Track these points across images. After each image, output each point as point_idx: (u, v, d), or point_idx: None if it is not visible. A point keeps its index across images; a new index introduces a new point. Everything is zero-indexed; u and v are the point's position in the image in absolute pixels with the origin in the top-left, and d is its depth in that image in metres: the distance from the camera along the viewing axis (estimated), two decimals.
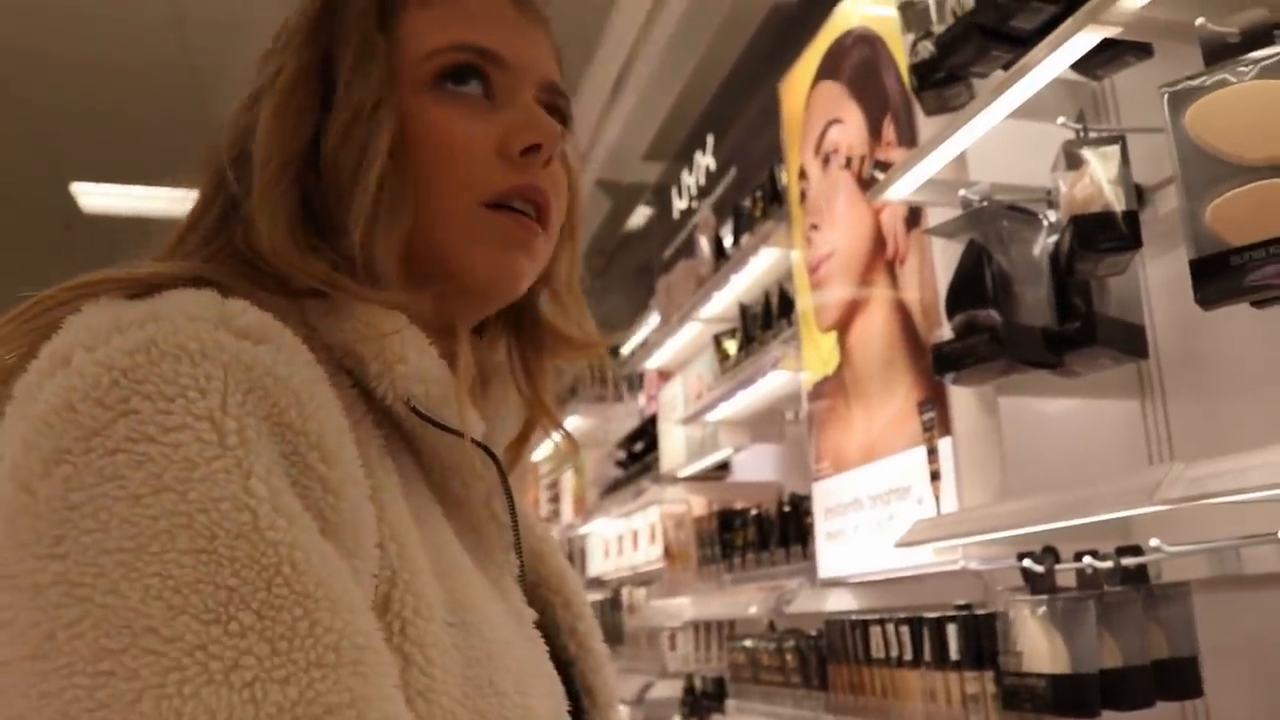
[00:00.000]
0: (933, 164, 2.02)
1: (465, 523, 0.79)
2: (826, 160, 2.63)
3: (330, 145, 0.77)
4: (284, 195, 0.75)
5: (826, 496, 2.60)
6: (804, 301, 2.76)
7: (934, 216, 2.16)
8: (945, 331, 2.08)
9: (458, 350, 0.77)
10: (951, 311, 1.93)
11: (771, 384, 2.97)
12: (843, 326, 2.54)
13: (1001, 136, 1.97)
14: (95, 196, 7.63)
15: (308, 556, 0.57)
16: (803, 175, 2.78)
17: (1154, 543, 1.55)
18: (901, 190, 2.08)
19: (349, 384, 0.72)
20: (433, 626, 0.65)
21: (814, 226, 2.69)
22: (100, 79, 6.13)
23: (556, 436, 0.94)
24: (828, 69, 2.66)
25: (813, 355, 2.70)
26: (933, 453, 2.14)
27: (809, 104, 2.76)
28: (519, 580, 0.83)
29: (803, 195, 2.77)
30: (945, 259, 2.06)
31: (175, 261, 0.76)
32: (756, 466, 3.92)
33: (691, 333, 3.73)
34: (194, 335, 0.61)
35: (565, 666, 0.86)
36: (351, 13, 0.80)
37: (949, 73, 2.04)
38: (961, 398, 2.07)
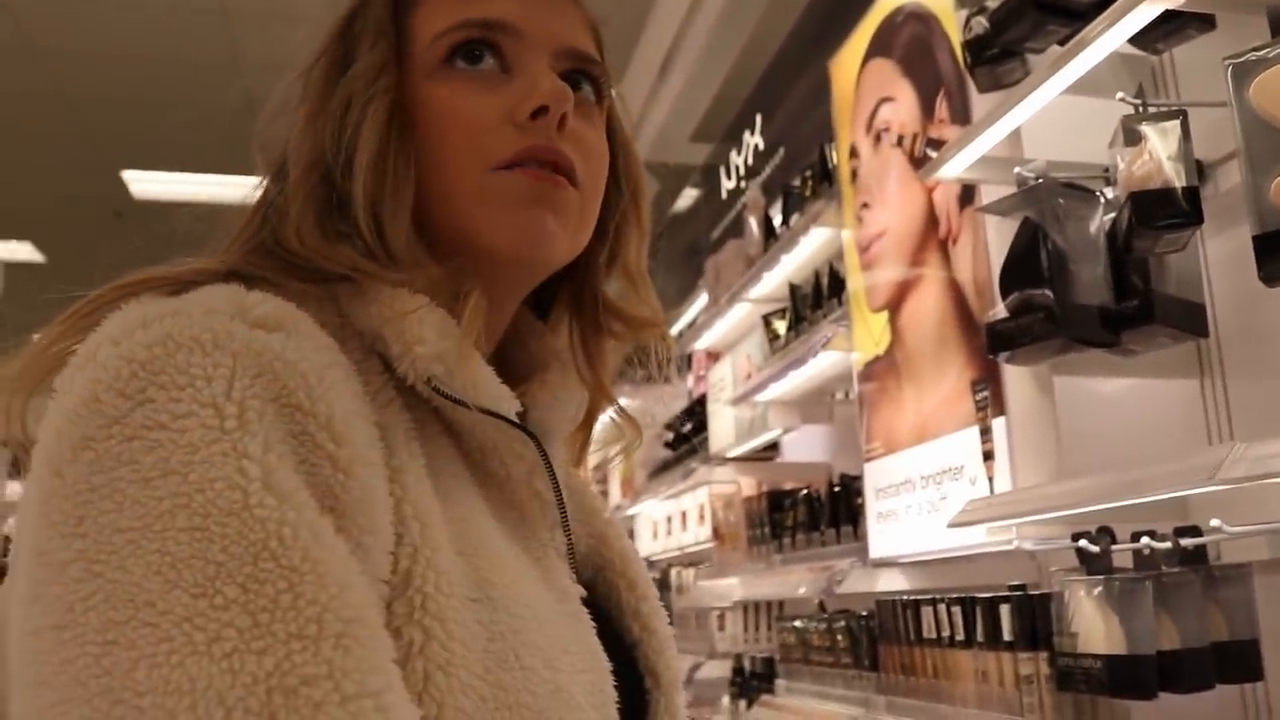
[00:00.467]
0: (987, 141, 2.00)
1: (507, 501, 0.80)
2: (878, 138, 2.61)
3: (332, 132, 0.79)
4: (313, 189, 0.78)
5: (878, 477, 2.59)
6: (855, 281, 2.74)
7: (988, 194, 2.14)
8: (999, 310, 2.06)
9: (468, 314, 0.77)
10: (1006, 290, 1.91)
11: (821, 364, 2.96)
12: (894, 306, 2.52)
13: (1057, 112, 1.94)
14: (145, 184, 7.79)
15: (295, 533, 0.59)
16: (853, 154, 2.76)
17: (1215, 523, 1.53)
18: (955, 168, 2.06)
19: (380, 368, 0.74)
20: (453, 602, 0.67)
21: (865, 205, 2.67)
22: (148, 70, 6.23)
23: (618, 419, 0.95)
24: (879, 46, 2.64)
25: (864, 335, 2.69)
26: (986, 433, 2.12)
27: (860, 82, 2.73)
28: (568, 558, 0.83)
29: (854, 174, 2.75)
30: (999, 237, 2.04)
31: (217, 258, 0.78)
32: (806, 447, 3.92)
33: (741, 313, 3.72)
34: (208, 327, 0.64)
35: (630, 649, 0.87)
36: (371, 8, 0.83)
37: (1003, 49, 2.02)
38: (1016, 377, 2.05)
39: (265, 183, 0.83)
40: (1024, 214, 1.93)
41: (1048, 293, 1.83)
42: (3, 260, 6.78)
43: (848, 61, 2.81)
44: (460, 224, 0.79)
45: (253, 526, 0.58)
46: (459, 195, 0.78)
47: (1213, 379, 2.04)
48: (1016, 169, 1.93)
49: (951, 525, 1.99)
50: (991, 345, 1.90)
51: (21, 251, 8.87)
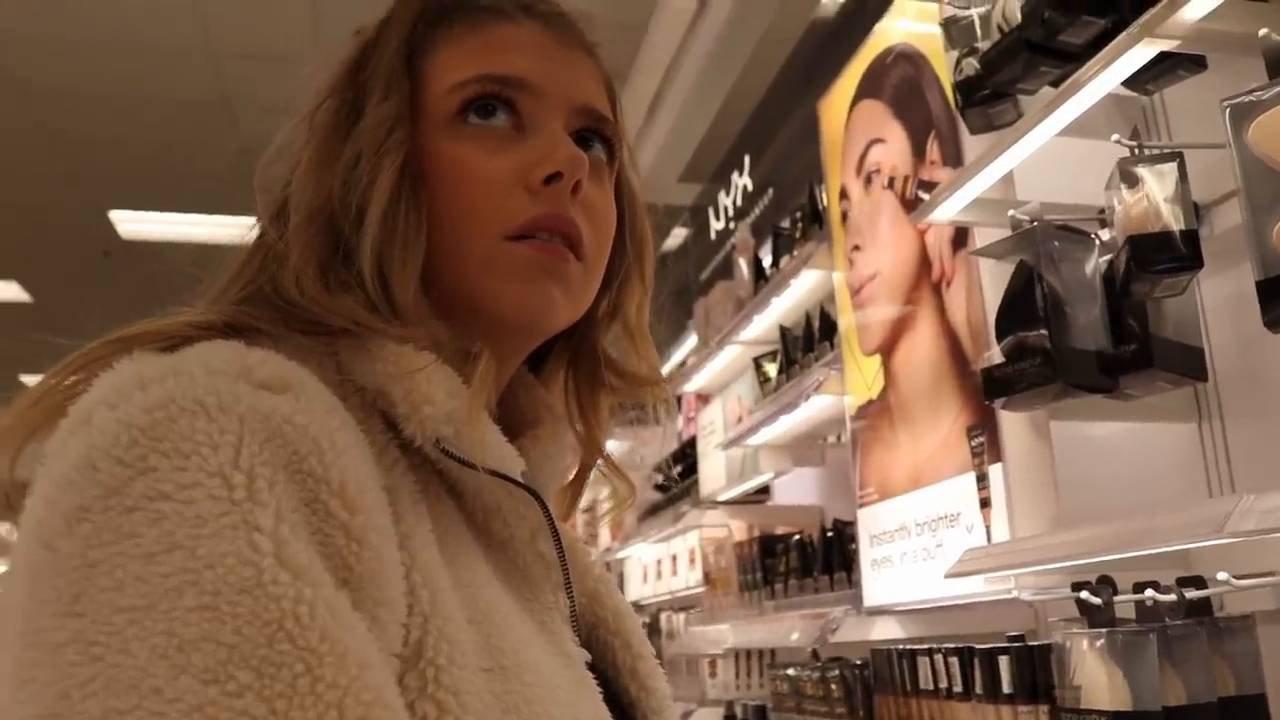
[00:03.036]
0: (980, 184, 1.97)
1: (510, 563, 0.77)
2: (869, 180, 2.59)
3: (340, 182, 0.76)
4: (315, 237, 0.75)
5: (872, 523, 2.55)
6: (846, 324, 2.71)
7: (981, 237, 2.11)
8: (995, 355, 2.02)
9: (478, 375, 0.74)
10: (1001, 334, 1.88)
11: (814, 407, 2.92)
12: (887, 349, 2.49)
13: (1049, 153, 1.92)
14: (133, 223, 7.77)
15: (312, 610, 0.56)
16: (844, 195, 2.74)
17: (1222, 576, 1.49)
18: (948, 211, 2.03)
19: (382, 427, 0.71)
20: (466, 674, 0.64)
21: (856, 247, 2.64)
22: (137, 110, 6.23)
23: (611, 475, 0.92)
24: (869, 87, 2.62)
25: (856, 378, 2.65)
26: (982, 479, 2.08)
27: (849, 123, 2.71)
28: (570, 621, 0.80)
29: (844, 216, 2.73)
30: (994, 280, 2.01)
31: (212, 307, 0.75)
32: (797, 490, 3.87)
33: (731, 355, 3.69)
34: (212, 389, 0.60)
35: (627, 709, 0.85)
36: (382, 54, 0.80)
37: (995, 90, 2.00)
38: (1012, 422, 2.02)
39: (263, 225, 0.79)
40: (1019, 257, 1.90)
41: (1044, 337, 1.79)
42: None
43: (837, 103, 2.79)
44: (467, 286, 0.77)
45: (267, 605, 0.55)
46: (467, 259, 0.76)
47: (1211, 423, 2.01)
48: (1011, 212, 1.91)
49: (949, 575, 1.95)
50: (988, 391, 1.87)
51: (8, 291, 8.83)
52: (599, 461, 0.91)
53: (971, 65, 2.04)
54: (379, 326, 0.72)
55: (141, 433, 0.58)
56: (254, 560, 0.55)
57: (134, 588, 0.54)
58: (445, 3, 0.83)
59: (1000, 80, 1.94)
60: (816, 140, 3.01)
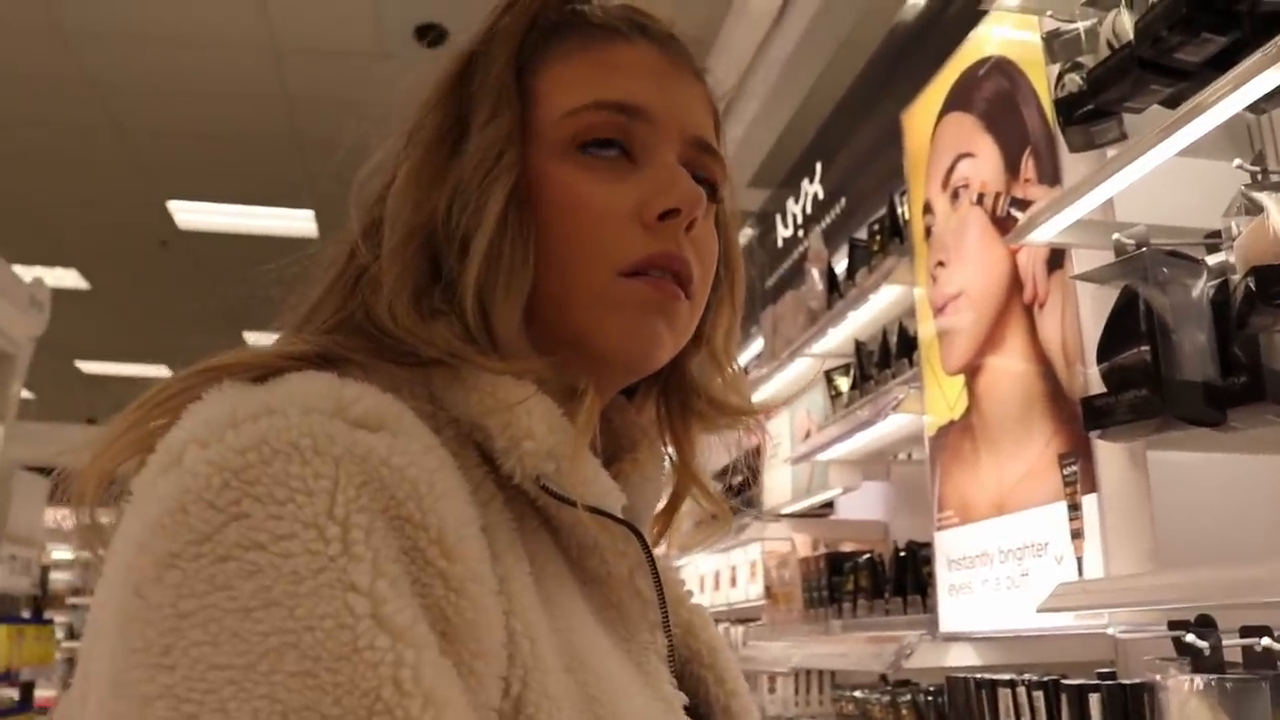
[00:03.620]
0: (1085, 205, 1.90)
1: (606, 600, 0.74)
2: (955, 195, 2.52)
3: (445, 205, 0.73)
4: (411, 260, 0.72)
5: (950, 547, 2.48)
6: (928, 341, 2.64)
7: (1079, 259, 2.04)
8: (1092, 381, 1.95)
9: (584, 413, 0.72)
10: (1103, 362, 1.81)
11: (887, 425, 2.86)
12: (972, 370, 2.42)
13: (1151, 174, 1.85)
14: (191, 214, 7.89)
15: (416, 675, 0.53)
16: (928, 210, 2.67)
17: None
18: (1047, 232, 1.97)
19: (477, 460, 0.68)
20: None
21: (940, 264, 2.58)
22: (197, 102, 6.31)
23: (709, 506, 0.88)
24: (958, 100, 2.55)
25: (936, 398, 2.59)
26: (1075, 509, 2.01)
27: (936, 136, 2.65)
28: (668, 661, 0.77)
29: (928, 231, 2.66)
30: (1093, 304, 1.94)
31: (301, 335, 0.73)
32: (861, 504, 3.81)
33: (801, 367, 3.63)
34: (307, 430, 0.58)
35: None
36: (490, 69, 0.76)
37: (1100, 107, 1.93)
38: (1109, 452, 1.95)
39: (356, 241, 0.76)
40: (1123, 282, 1.84)
41: (1150, 366, 1.73)
42: (49, 287, 6.86)
43: (923, 114, 2.72)
44: (574, 320, 0.74)
45: (365, 673, 0.52)
46: (578, 292, 0.73)
47: None
48: (1115, 235, 1.84)
49: (1042, 610, 1.88)
50: (1089, 421, 1.80)
51: (68, 279, 8.96)
52: (693, 488, 0.87)
53: (1075, 81, 1.97)
54: (474, 359, 0.69)
55: (234, 475, 0.56)
56: (350, 624, 0.53)
57: (230, 645, 0.52)
58: (557, 17, 0.79)
59: (1107, 98, 1.87)
60: (893, 150, 2.95)
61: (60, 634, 9.14)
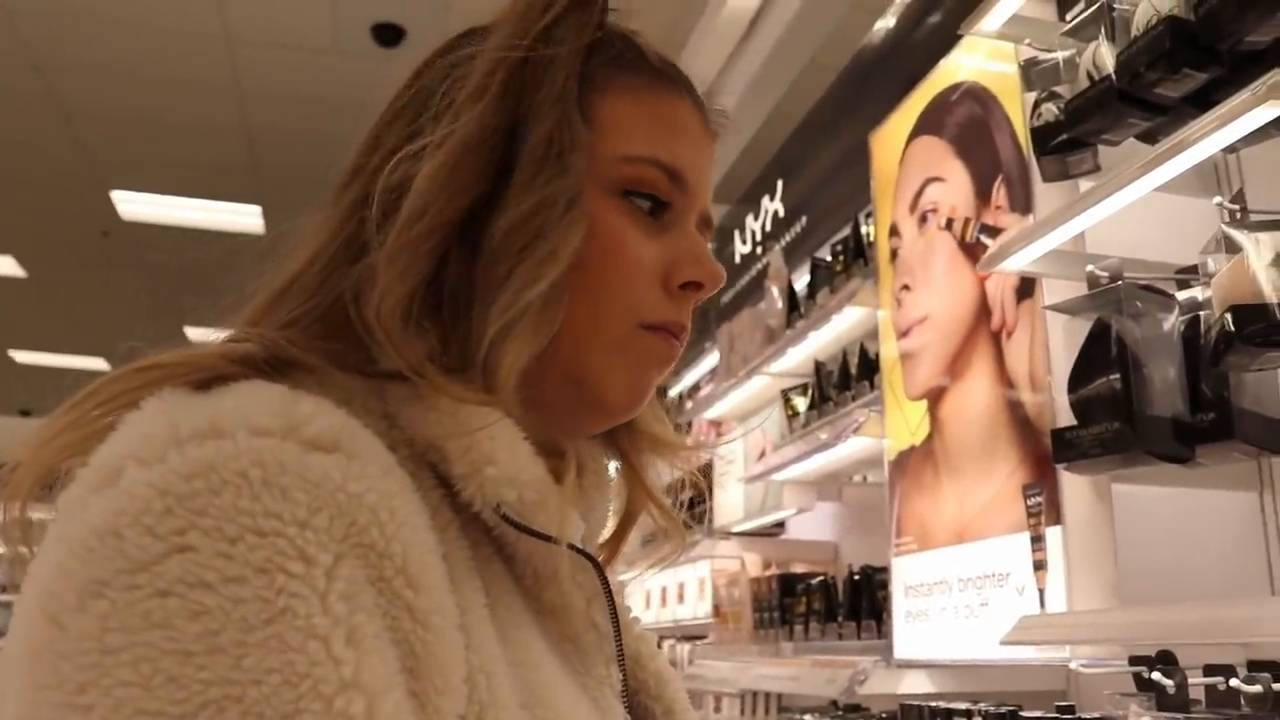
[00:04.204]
0: (1058, 236, 1.89)
1: (561, 633, 0.72)
2: (923, 219, 2.51)
3: (503, 227, 0.68)
4: (422, 259, 0.67)
5: (908, 573, 2.46)
6: (890, 365, 2.63)
7: (1049, 288, 2.04)
8: (1060, 411, 1.94)
9: (563, 464, 0.72)
10: (1076, 394, 1.80)
11: (846, 447, 2.84)
12: (935, 395, 2.41)
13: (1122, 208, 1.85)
14: (134, 204, 7.71)
15: None
16: (894, 232, 2.66)
17: None
18: (1019, 261, 1.96)
19: (433, 483, 0.65)
20: None
21: (905, 287, 2.57)
22: (145, 88, 6.17)
23: (664, 523, 0.87)
24: (929, 123, 2.54)
25: (897, 422, 2.57)
26: (1038, 540, 2.00)
27: (905, 158, 2.64)
28: (621, 697, 0.75)
29: (894, 253, 2.65)
30: (1064, 335, 1.93)
31: (254, 330, 0.68)
32: (812, 525, 3.79)
33: (757, 386, 3.61)
34: (256, 458, 0.53)
35: None
36: (552, 85, 0.71)
37: (1076, 138, 1.92)
38: (1074, 484, 1.94)
39: (344, 224, 0.71)
40: (1095, 314, 1.83)
41: (1121, 401, 1.72)
42: None
43: (892, 136, 2.71)
44: (585, 360, 0.72)
45: None
46: (599, 335, 0.72)
47: (1274, 493, 1.94)
48: (1089, 267, 1.83)
49: (1005, 643, 1.86)
50: (1059, 453, 1.79)
51: (4, 265, 8.74)
52: (651, 507, 0.86)
53: (1051, 111, 1.97)
54: (440, 384, 0.65)
55: (178, 502, 0.51)
56: (295, 682, 0.49)
57: (165, 690, 0.47)
58: (620, 45, 0.76)
59: (1085, 129, 1.86)
60: (856, 170, 2.94)
61: None
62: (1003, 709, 2.04)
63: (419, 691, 0.54)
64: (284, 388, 0.59)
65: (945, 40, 2.52)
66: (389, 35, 5.42)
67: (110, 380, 0.64)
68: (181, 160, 7.02)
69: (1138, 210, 1.88)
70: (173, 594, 0.49)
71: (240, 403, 0.57)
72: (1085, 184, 2.04)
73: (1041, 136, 1.97)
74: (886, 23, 3.38)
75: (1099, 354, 1.78)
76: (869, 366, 2.83)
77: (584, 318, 0.71)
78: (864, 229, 2.97)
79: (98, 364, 10.97)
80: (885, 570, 2.61)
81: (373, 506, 0.55)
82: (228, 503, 0.51)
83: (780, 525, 3.88)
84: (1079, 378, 1.80)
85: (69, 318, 9.92)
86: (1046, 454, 1.99)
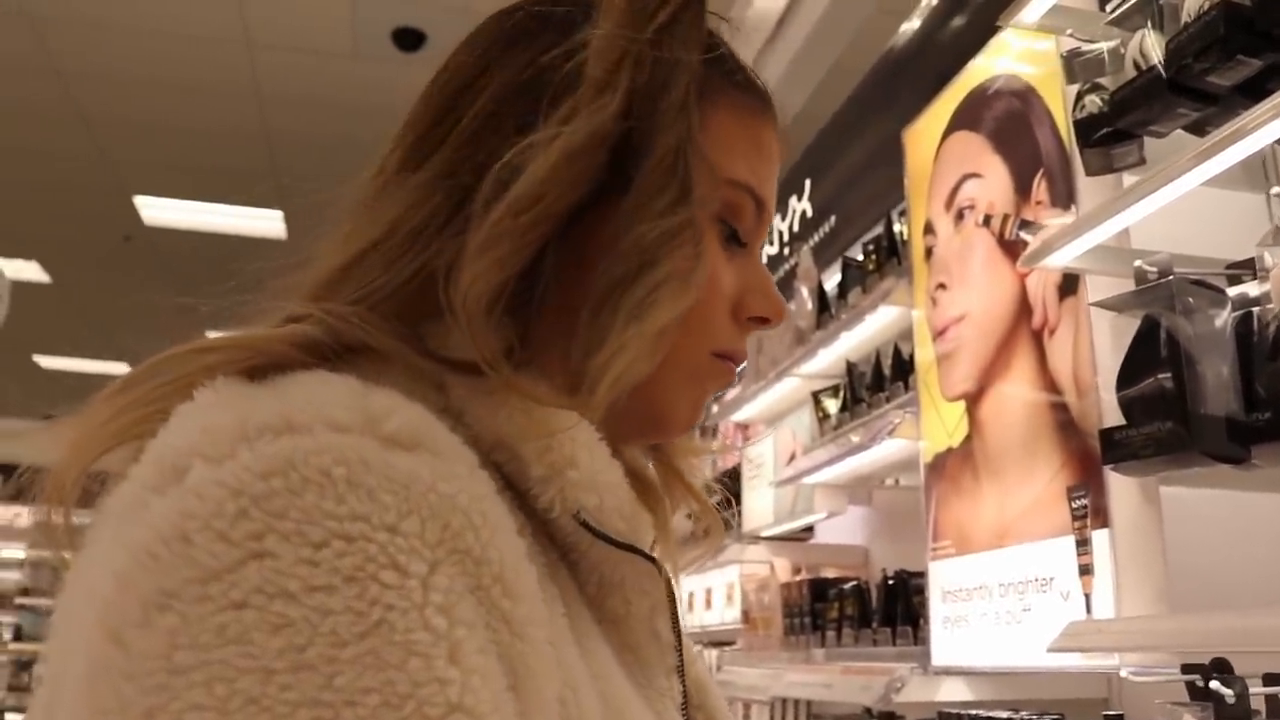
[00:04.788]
0: (1104, 231, 1.84)
1: (622, 642, 0.68)
2: (960, 216, 2.46)
3: (624, 239, 0.64)
4: (523, 249, 0.62)
5: (946, 578, 2.41)
6: (926, 365, 2.57)
7: (1093, 285, 1.98)
8: (1107, 411, 1.89)
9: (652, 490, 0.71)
10: (1124, 393, 1.74)
11: (879, 450, 2.78)
12: (974, 396, 2.35)
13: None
14: (157, 210, 7.74)
15: None
16: (929, 230, 2.60)
17: None
18: (1064, 256, 1.90)
19: (499, 485, 0.59)
20: None
21: (941, 286, 2.51)
22: (167, 94, 6.20)
23: (705, 519, 0.84)
24: (965, 119, 2.49)
25: (934, 424, 2.52)
26: (1084, 544, 1.94)
27: (940, 155, 2.59)
28: (681, 709, 0.72)
29: (929, 251, 2.60)
30: (1111, 333, 1.87)
31: (318, 308, 0.62)
32: (840, 529, 3.74)
33: (787, 388, 3.55)
34: (340, 455, 0.48)
35: None
36: (676, 90, 0.66)
37: (1122, 130, 1.87)
38: (1122, 487, 1.88)
39: (421, 192, 0.65)
40: (1144, 311, 1.77)
41: (1174, 400, 1.66)
42: (9, 279, 6.70)
43: (926, 132, 2.66)
44: (662, 380, 0.69)
45: None
46: (675, 361, 0.69)
47: None
48: (1137, 262, 1.78)
49: (1053, 650, 1.81)
50: (1108, 454, 1.73)
51: (28, 271, 8.77)
52: (690, 502, 0.83)
53: (1095, 103, 1.91)
54: (523, 387, 0.61)
55: (254, 503, 0.46)
56: (398, 703, 0.44)
57: (244, 714, 0.42)
58: (725, 54, 0.73)
59: (1131, 120, 1.81)
60: (888, 168, 2.89)
61: (8, 635, 8.93)
62: (1045, 717, 1.99)
63: (522, 711, 0.50)
64: (352, 379, 0.54)
65: (977, 36, 2.48)
66: (409, 40, 5.40)
67: (160, 364, 0.59)
68: (203, 165, 7.04)
69: (1181, 204, 1.83)
70: (250, 605, 0.44)
71: (311, 395, 0.52)
72: (1129, 177, 1.99)
73: (1085, 129, 1.91)
74: (912, 24, 3.34)
75: (1148, 352, 1.73)
76: (903, 367, 2.78)
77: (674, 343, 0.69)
78: (896, 227, 2.92)
79: (121, 368, 11.00)
80: (921, 575, 2.55)
81: (465, 509, 0.50)
82: (310, 504, 0.46)
83: (809, 530, 3.82)
84: (1127, 376, 1.75)
85: (92, 323, 9.95)
86: (1092, 455, 1.94)
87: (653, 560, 0.67)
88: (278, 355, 0.57)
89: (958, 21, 3.02)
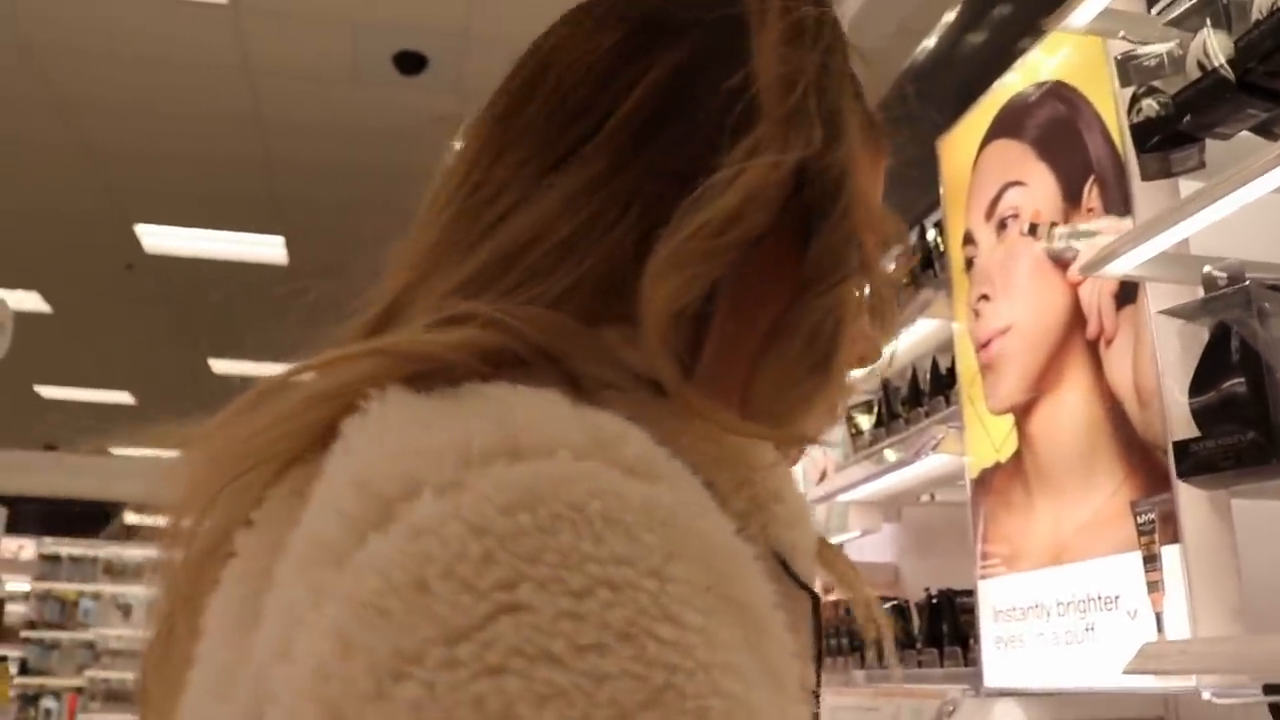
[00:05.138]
0: (1170, 237, 1.78)
1: None
2: (1003, 225, 2.40)
3: (826, 292, 0.59)
4: (713, 270, 0.55)
5: (997, 597, 2.34)
6: (969, 379, 2.51)
7: (1153, 293, 1.93)
8: (1173, 422, 1.83)
9: None
10: (1197, 402, 1.69)
11: (918, 467, 2.72)
12: (1023, 409, 2.29)
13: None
14: (158, 238, 7.67)
15: None
16: (969, 240, 2.55)
17: None
18: (1124, 265, 1.85)
19: None
20: None
21: (984, 297, 2.46)
22: (168, 122, 6.15)
23: None
24: (1005, 127, 2.44)
25: (979, 438, 2.46)
26: (1152, 560, 1.88)
27: (979, 164, 2.53)
28: None
29: (969, 262, 2.54)
30: (1177, 342, 1.82)
31: (490, 309, 0.52)
32: (871, 547, 3.67)
33: None
34: (591, 486, 0.40)
35: None
36: (849, 131, 0.62)
37: (1183, 133, 1.82)
38: (1191, 500, 1.82)
39: (595, 178, 0.58)
40: (1213, 318, 1.72)
41: (1251, 407, 1.61)
42: (11, 310, 6.64)
43: (962, 141, 2.61)
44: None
45: None
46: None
47: None
48: (1206, 268, 1.72)
49: (1128, 672, 1.74)
50: (1182, 467, 1.67)
51: (28, 301, 8.71)
52: None
53: (1152, 106, 1.86)
54: (717, 412, 0.54)
55: (500, 545, 0.38)
56: None
57: None
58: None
59: (1196, 123, 1.76)
60: (918, 180, 2.83)
61: (14, 669, 8.82)
62: None
63: None
64: (558, 395, 0.46)
65: (997, 55, 2.44)
66: (411, 63, 5.35)
67: (323, 365, 0.51)
68: (204, 193, 6.99)
69: (1240, 210, 1.78)
70: (509, 671, 0.36)
71: (530, 412, 0.44)
72: (1185, 183, 1.94)
73: (1142, 133, 1.86)
74: (929, 42, 3.31)
75: (1222, 360, 1.67)
76: (941, 381, 2.71)
77: None
78: (931, 237, 2.86)
79: (123, 397, 10.91)
80: (966, 593, 2.49)
81: (723, 550, 0.43)
82: (566, 545, 0.39)
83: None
84: (1200, 386, 1.69)
85: (94, 352, 9.87)
86: (1158, 467, 1.88)
87: (815, 598, 0.60)
88: (461, 365, 0.49)
89: (978, 37, 2.99)
